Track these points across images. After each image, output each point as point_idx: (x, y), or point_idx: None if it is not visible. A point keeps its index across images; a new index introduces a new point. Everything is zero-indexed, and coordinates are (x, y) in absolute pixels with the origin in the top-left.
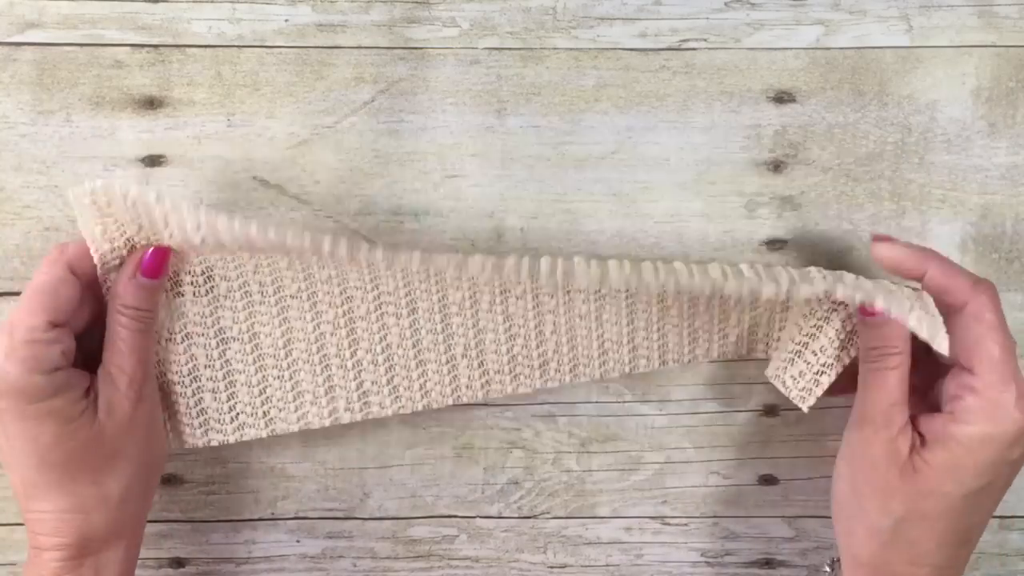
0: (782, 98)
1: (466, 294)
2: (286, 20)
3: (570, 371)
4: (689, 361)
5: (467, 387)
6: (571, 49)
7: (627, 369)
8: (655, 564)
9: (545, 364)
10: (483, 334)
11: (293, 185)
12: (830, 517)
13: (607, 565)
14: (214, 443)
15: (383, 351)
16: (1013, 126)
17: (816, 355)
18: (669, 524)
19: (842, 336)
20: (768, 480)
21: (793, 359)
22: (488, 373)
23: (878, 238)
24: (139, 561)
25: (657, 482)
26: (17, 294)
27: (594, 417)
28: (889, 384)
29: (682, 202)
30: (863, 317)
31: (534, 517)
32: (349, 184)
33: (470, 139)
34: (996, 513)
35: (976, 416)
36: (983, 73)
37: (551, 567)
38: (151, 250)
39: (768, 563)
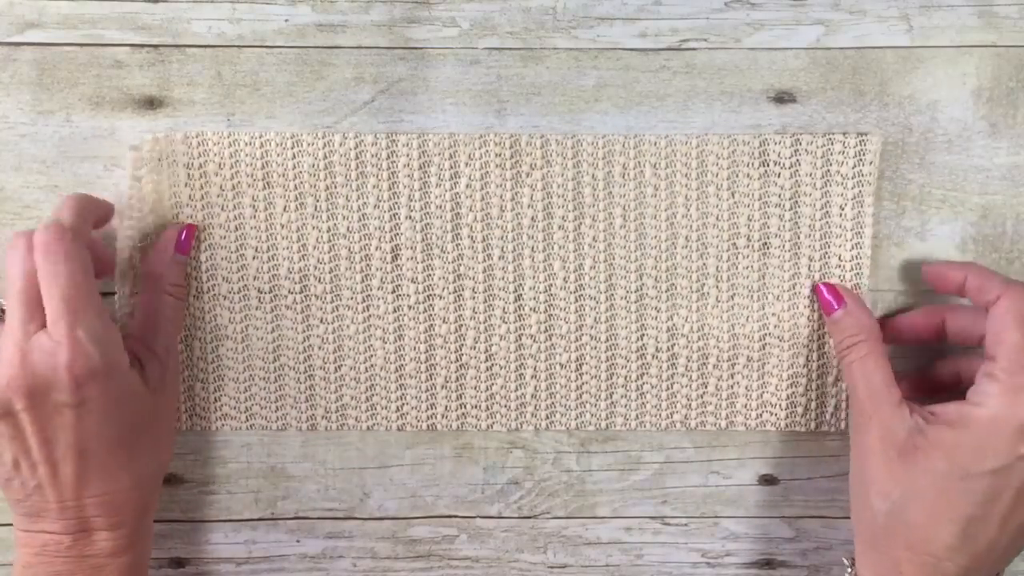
0: (782, 98)
1: (452, 327)
2: (286, 20)
3: (546, 417)
4: (666, 427)
5: (443, 416)
6: (571, 49)
7: (603, 424)
8: (655, 564)
9: (522, 407)
10: (464, 369)
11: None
12: (830, 517)
13: (607, 565)
14: (196, 428)
15: (366, 371)
16: (1014, 126)
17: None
18: (669, 524)
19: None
20: (768, 480)
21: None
22: (465, 407)
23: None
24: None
25: (657, 482)
26: None
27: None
28: (866, 371)
29: None
30: (826, 317)
31: (534, 517)
32: None
33: None
34: None
35: (989, 399)
36: (983, 73)
37: (551, 567)
38: (184, 229)
39: (768, 563)
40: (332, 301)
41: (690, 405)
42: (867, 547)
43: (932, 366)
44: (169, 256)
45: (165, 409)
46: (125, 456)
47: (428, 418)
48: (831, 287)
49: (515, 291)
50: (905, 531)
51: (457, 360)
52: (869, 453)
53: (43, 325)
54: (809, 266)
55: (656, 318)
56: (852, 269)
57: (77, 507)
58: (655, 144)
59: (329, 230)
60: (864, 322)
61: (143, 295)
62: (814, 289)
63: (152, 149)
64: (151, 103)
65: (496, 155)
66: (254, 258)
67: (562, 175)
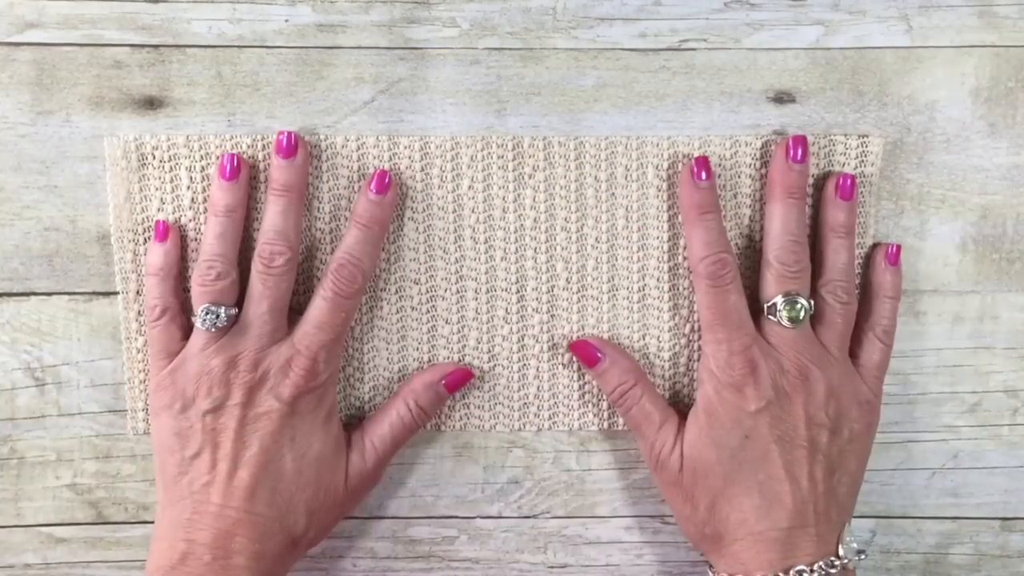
0: (782, 98)
1: (454, 328)
2: (286, 20)
3: (549, 418)
4: None
5: (447, 416)
6: (571, 49)
7: (604, 424)
8: (655, 564)
9: (525, 407)
10: None
11: None
12: None
13: (607, 565)
14: None
15: (370, 371)
16: (1013, 126)
17: None
18: (669, 524)
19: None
20: None
21: None
22: (469, 407)
23: None
24: (139, 562)
25: None
26: (17, 294)
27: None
28: (646, 410)
29: None
30: (592, 370)
31: (534, 517)
32: None
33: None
34: (997, 514)
35: (701, 376)
36: (983, 73)
37: (551, 567)
38: (454, 374)
39: None
40: None
41: (692, 405)
42: (707, 549)
43: None
44: (436, 389)
45: (348, 499)
46: (294, 495)
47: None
48: (583, 344)
49: (518, 292)
50: (724, 523)
51: (460, 361)
52: (671, 475)
53: (285, 336)
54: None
55: (658, 318)
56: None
57: (235, 518)
58: (657, 145)
59: (332, 232)
60: (629, 365)
61: (396, 398)
62: (570, 347)
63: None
64: (151, 103)
65: (498, 157)
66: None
67: (564, 176)
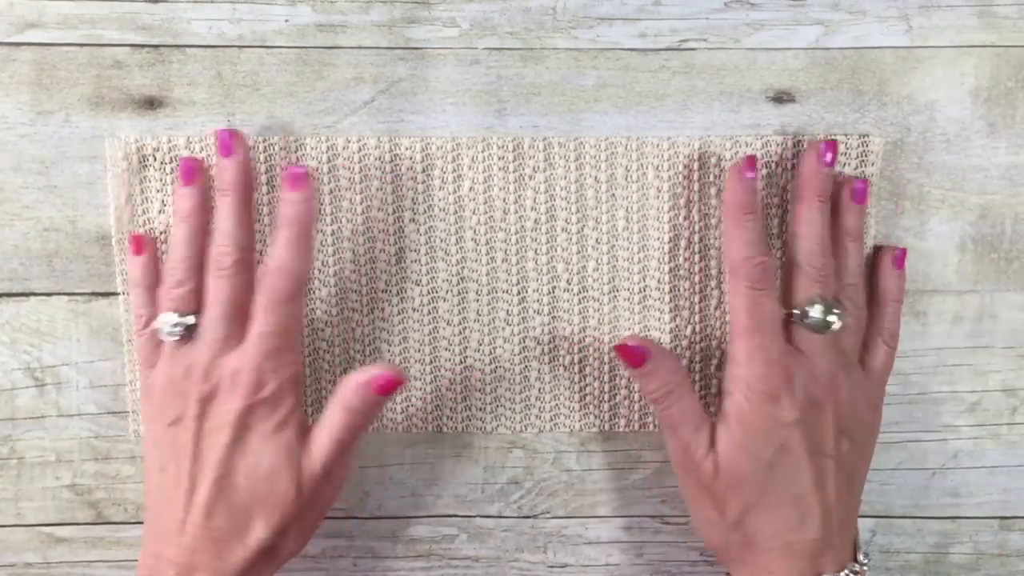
0: (782, 98)
1: (456, 330)
2: (286, 20)
3: (550, 419)
4: None
5: (449, 418)
6: (571, 49)
7: (606, 426)
8: (655, 564)
9: (527, 408)
10: (469, 371)
11: None
12: None
13: (607, 565)
14: None
15: None
16: (1012, 126)
17: None
18: (669, 524)
19: None
20: None
21: None
22: (471, 409)
23: None
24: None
25: (657, 481)
26: (17, 294)
27: None
28: (685, 414)
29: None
30: (635, 371)
31: (534, 517)
32: None
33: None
34: (996, 513)
35: (731, 384)
36: (982, 73)
37: (551, 567)
38: (386, 378)
39: None
40: (337, 304)
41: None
42: (732, 556)
43: None
44: (366, 392)
45: (309, 505)
46: (250, 509)
47: (433, 420)
48: (629, 348)
49: (519, 293)
50: (755, 533)
51: (462, 362)
52: (704, 480)
53: (240, 343)
54: None
55: (659, 319)
56: None
57: (195, 534)
58: (657, 146)
59: (333, 233)
60: (674, 365)
61: (332, 399)
62: (615, 349)
63: (128, 151)
64: (151, 103)
65: (499, 158)
66: (259, 262)
67: (565, 177)
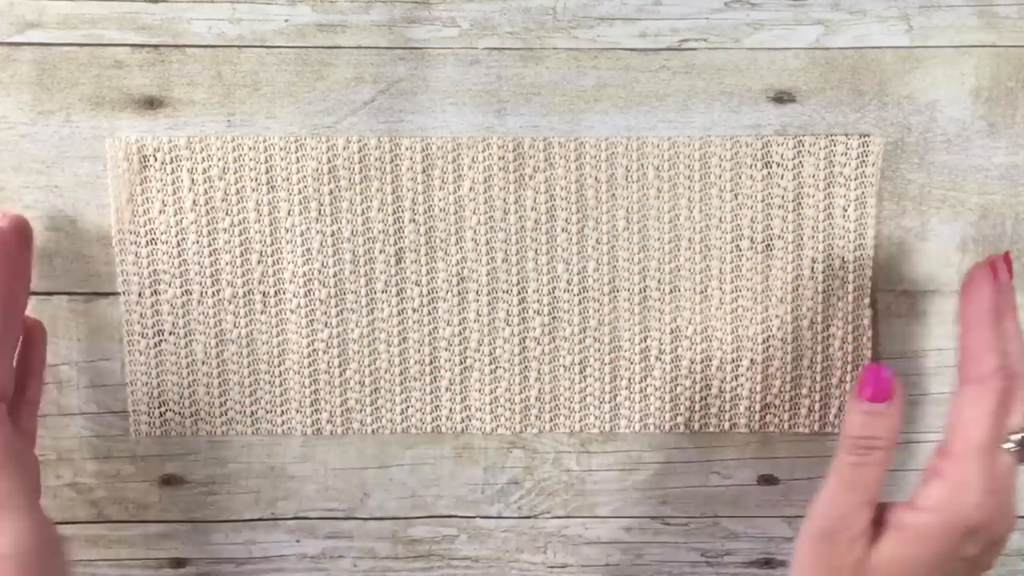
0: (782, 98)
1: (455, 330)
2: (286, 20)
3: (550, 420)
4: (670, 430)
5: (447, 419)
6: (571, 49)
7: (607, 427)
8: (655, 564)
9: (526, 409)
10: (468, 372)
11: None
12: None
13: (607, 565)
14: (201, 433)
15: (371, 374)
16: (1013, 126)
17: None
18: (669, 524)
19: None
20: (768, 480)
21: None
22: (469, 410)
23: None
24: (139, 561)
25: (657, 482)
26: None
27: None
28: (866, 480)
29: None
30: (862, 403)
31: (534, 517)
32: None
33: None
34: None
35: (935, 504)
36: (983, 73)
37: (551, 567)
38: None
39: (768, 563)
40: (336, 304)
41: (693, 407)
42: None
43: None
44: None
45: None
46: None
47: (432, 420)
48: (885, 377)
49: (519, 293)
50: None
51: (461, 363)
52: (840, 560)
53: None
54: (812, 268)
55: (660, 320)
56: (855, 271)
57: None
58: (658, 146)
59: (333, 233)
60: (899, 426)
61: None
62: (865, 368)
63: (129, 152)
64: (151, 103)
65: (499, 158)
66: (259, 262)
67: (565, 178)
